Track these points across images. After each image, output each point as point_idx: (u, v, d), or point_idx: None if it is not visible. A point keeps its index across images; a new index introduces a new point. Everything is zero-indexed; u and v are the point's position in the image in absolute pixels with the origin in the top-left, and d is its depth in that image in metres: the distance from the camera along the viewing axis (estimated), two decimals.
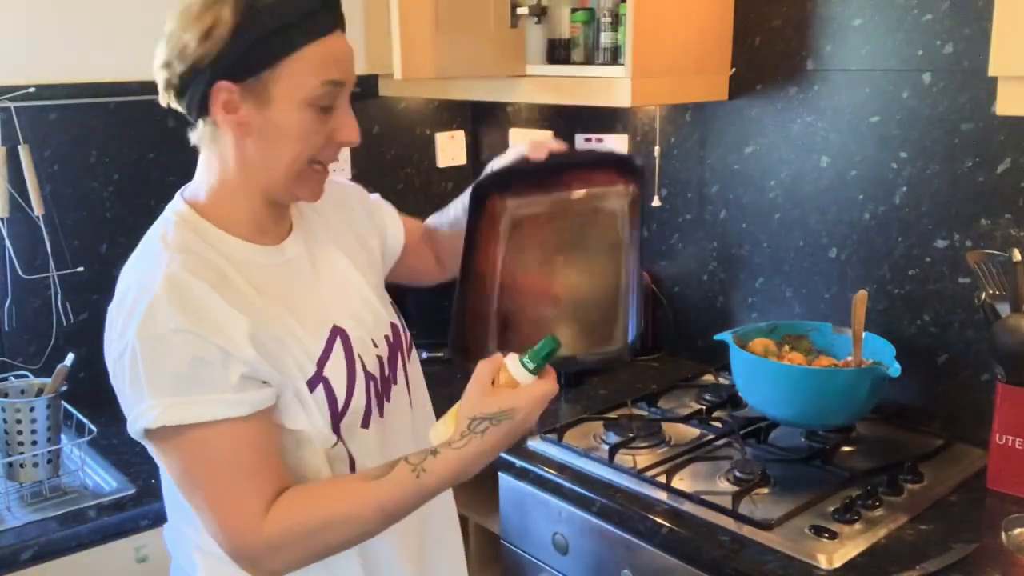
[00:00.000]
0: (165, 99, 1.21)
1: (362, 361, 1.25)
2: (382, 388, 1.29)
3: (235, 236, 1.21)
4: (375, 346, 1.29)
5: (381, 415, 1.28)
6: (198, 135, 1.22)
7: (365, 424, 1.25)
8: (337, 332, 1.24)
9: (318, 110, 1.16)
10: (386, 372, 1.30)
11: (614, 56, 2.05)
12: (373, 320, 1.31)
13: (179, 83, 1.16)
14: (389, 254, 1.49)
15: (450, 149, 2.77)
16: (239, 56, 1.12)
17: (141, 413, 1.10)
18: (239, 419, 1.11)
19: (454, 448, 1.12)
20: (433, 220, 1.54)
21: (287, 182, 1.19)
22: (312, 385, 1.18)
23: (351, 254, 1.35)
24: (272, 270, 1.23)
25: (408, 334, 1.39)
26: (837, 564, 1.41)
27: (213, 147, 1.21)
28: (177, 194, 1.27)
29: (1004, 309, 1.61)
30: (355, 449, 1.24)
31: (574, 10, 2.17)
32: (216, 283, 1.14)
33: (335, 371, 1.21)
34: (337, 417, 1.20)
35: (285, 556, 1.12)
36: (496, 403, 1.12)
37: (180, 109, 1.21)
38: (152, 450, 1.17)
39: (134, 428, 1.13)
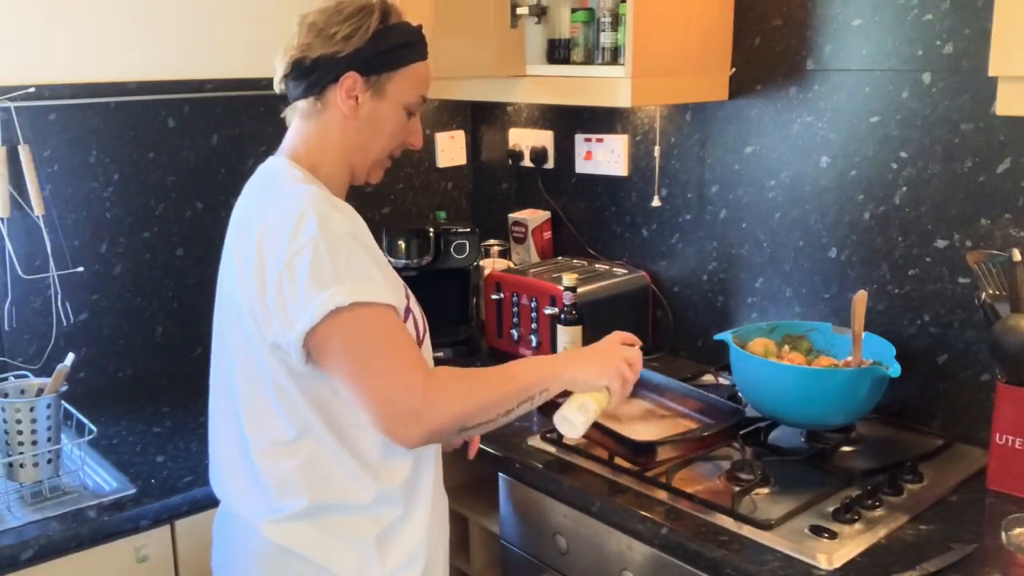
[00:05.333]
0: (282, 74, 1.45)
1: (413, 315, 1.45)
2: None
3: None
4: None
5: None
6: (301, 109, 1.45)
7: None
8: (403, 286, 1.45)
9: (407, 115, 1.48)
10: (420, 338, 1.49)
11: (614, 56, 2.05)
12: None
13: (311, 63, 1.41)
14: None
15: (450, 149, 2.77)
16: (372, 56, 1.41)
17: (330, 296, 1.25)
18: (396, 310, 1.32)
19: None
20: None
21: (370, 165, 1.49)
22: (405, 316, 1.39)
23: None
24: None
25: (426, 322, 1.53)
26: (837, 564, 1.41)
27: (315, 121, 1.44)
28: (275, 154, 1.47)
29: (1004, 309, 1.61)
30: None
31: (574, 10, 2.17)
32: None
33: (414, 311, 1.45)
34: (418, 347, 1.41)
35: (452, 399, 1.31)
36: None
37: (287, 88, 1.45)
38: (323, 342, 1.28)
39: (318, 313, 1.25)
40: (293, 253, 1.28)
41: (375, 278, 1.31)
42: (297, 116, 1.47)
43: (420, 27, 1.49)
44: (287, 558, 1.38)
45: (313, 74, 1.41)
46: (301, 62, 1.41)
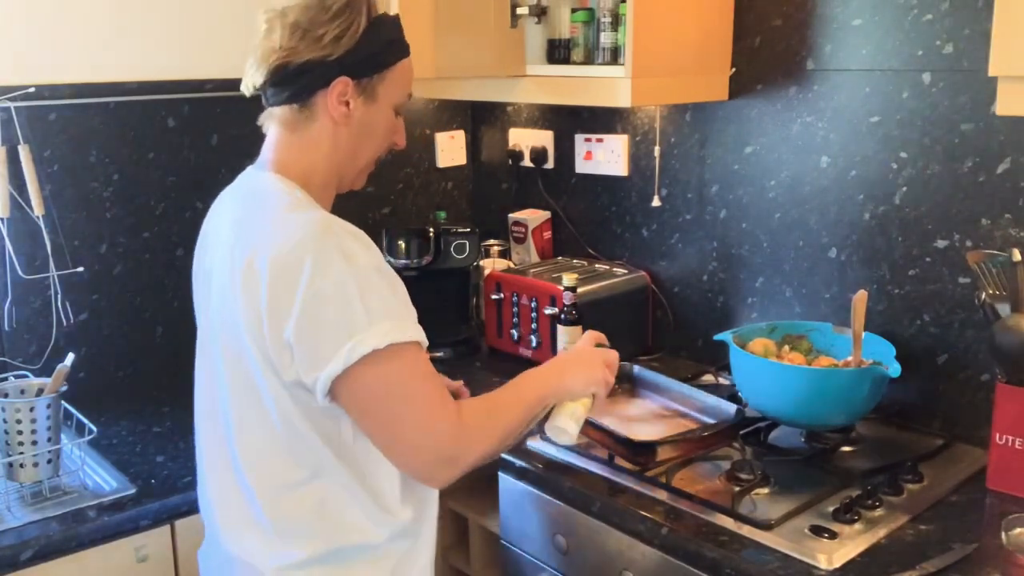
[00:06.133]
0: (256, 78, 1.33)
1: None
2: None
3: None
4: None
5: None
6: (282, 118, 1.35)
7: None
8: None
9: (395, 115, 1.40)
10: None
11: (614, 56, 2.05)
12: None
13: (296, 68, 1.30)
14: None
15: (450, 149, 2.77)
16: (362, 59, 1.32)
17: (363, 340, 1.20)
18: (422, 345, 1.28)
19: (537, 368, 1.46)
20: None
21: (360, 171, 1.43)
22: None
23: None
24: None
25: None
26: (837, 564, 1.41)
27: (302, 131, 1.35)
28: (258, 167, 1.39)
29: (1004, 309, 1.61)
30: None
31: (574, 10, 2.17)
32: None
33: None
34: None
35: (481, 438, 1.30)
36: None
37: (264, 94, 1.35)
38: (354, 384, 1.23)
39: (353, 356, 1.20)
40: (317, 291, 1.21)
41: (403, 315, 1.26)
42: (277, 125, 1.37)
43: (398, 16, 1.40)
44: None
45: (300, 80, 1.31)
46: (285, 67, 1.30)
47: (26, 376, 1.87)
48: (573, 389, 1.46)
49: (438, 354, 2.31)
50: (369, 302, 1.22)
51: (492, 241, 2.68)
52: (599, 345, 1.56)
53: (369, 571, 1.35)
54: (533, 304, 2.27)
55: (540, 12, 2.18)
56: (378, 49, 1.34)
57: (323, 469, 1.31)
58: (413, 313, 1.29)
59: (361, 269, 1.23)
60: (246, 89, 1.36)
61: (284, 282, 1.22)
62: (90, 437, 1.77)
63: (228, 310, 1.31)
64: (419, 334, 1.27)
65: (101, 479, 1.78)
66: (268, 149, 1.38)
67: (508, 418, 1.36)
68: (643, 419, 1.85)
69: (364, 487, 1.33)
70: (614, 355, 1.53)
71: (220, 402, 1.37)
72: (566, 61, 2.20)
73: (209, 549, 1.47)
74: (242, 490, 1.35)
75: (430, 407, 1.26)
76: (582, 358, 1.50)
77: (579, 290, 2.19)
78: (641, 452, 1.66)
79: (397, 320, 1.24)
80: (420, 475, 1.31)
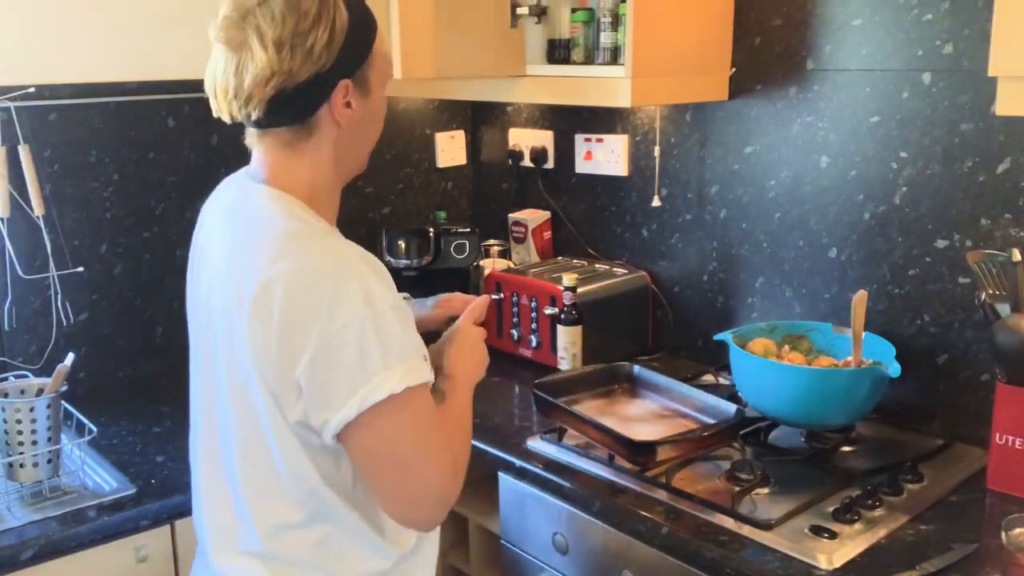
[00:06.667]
0: (249, 112, 1.20)
1: None
2: None
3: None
4: None
5: None
6: (282, 139, 1.24)
7: None
8: None
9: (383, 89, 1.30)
10: None
11: (614, 56, 2.05)
12: None
13: (294, 89, 1.18)
14: None
15: (450, 149, 2.77)
16: (352, 55, 1.21)
17: (380, 383, 1.15)
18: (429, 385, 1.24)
19: (446, 375, 1.37)
20: None
21: (363, 160, 1.35)
22: None
23: None
24: None
25: None
26: (837, 564, 1.41)
27: (302, 146, 1.25)
28: (251, 178, 1.29)
29: (1004, 309, 1.61)
30: None
31: (574, 10, 2.17)
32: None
33: None
34: None
35: (463, 470, 1.28)
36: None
37: (258, 122, 1.22)
38: (364, 427, 1.18)
39: (369, 400, 1.15)
40: (335, 331, 1.14)
41: (416, 353, 1.20)
42: (272, 144, 1.25)
43: None
44: None
45: (301, 101, 1.20)
46: (283, 92, 1.18)
47: (26, 376, 1.87)
48: (478, 379, 1.44)
49: None
50: (386, 344, 1.16)
51: (492, 241, 2.68)
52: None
53: None
54: (533, 304, 2.27)
55: (540, 12, 2.18)
56: (359, 36, 1.22)
57: (323, 509, 1.26)
58: (422, 347, 1.24)
59: (379, 310, 1.16)
60: (228, 118, 1.24)
61: (300, 319, 1.15)
62: (90, 437, 1.77)
63: (235, 345, 1.22)
64: (430, 373, 1.24)
65: (101, 479, 1.78)
66: (262, 166, 1.27)
67: (468, 435, 1.35)
68: (643, 419, 1.85)
69: (369, 521, 1.29)
70: (481, 331, 1.48)
71: (221, 430, 1.30)
72: (566, 61, 2.20)
73: (200, 568, 1.41)
74: (240, 520, 1.30)
75: (437, 458, 1.23)
76: (471, 345, 1.44)
77: (579, 290, 2.19)
78: (641, 452, 1.66)
79: (411, 361, 1.19)
80: (420, 522, 1.28)
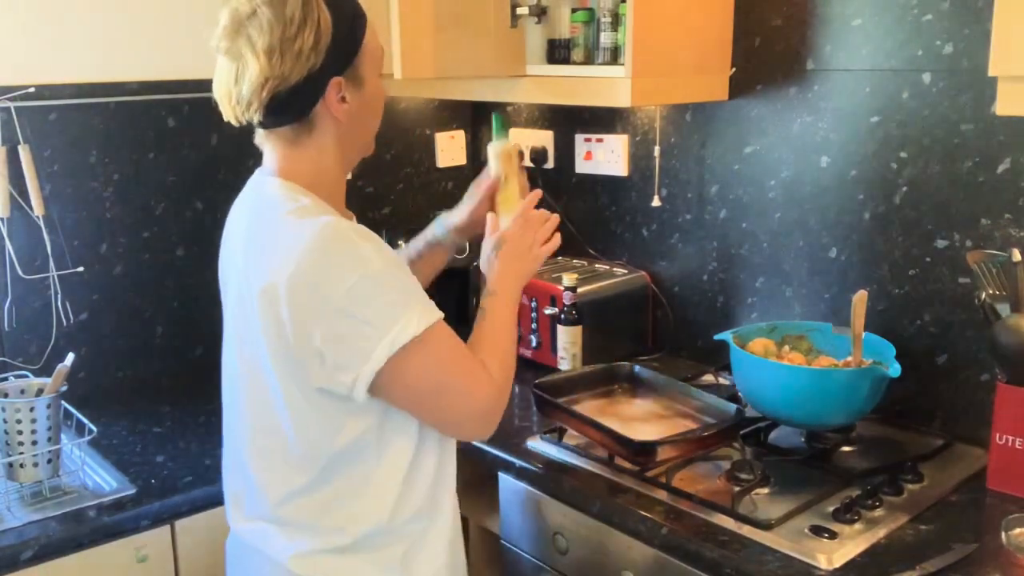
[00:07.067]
0: (251, 115, 1.29)
1: None
2: None
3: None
4: None
5: None
6: (285, 136, 1.33)
7: None
8: None
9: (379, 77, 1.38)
10: None
11: (614, 56, 2.05)
12: None
13: (288, 91, 1.26)
14: None
15: (450, 149, 2.77)
16: (342, 51, 1.28)
17: (402, 331, 1.24)
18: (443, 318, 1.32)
19: (489, 291, 1.47)
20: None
21: (366, 146, 1.43)
22: None
23: None
24: None
25: None
26: (837, 564, 1.41)
27: (305, 140, 1.34)
28: (264, 173, 1.38)
29: (1004, 309, 1.61)
30: None
31: (574, 10, 2.17)
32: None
33: None
34: None
35: (508, 379, 1.41)
36: (489, 242, 1.54)
37: (260, 122, 1.31)
38: (395, 373, 1.26)
39: (394, 347, 1.24)
40: (344, 294, 1.22)
41: (422, 296, 1.30)
42: (278, 141, 1.35)
43: None
44: None
45: (296, 101, 1.29)
46: (278, 95, 1.26)
47: (26, 376, 1.87)
48: (529, 277, 1.53)
49: None
50: (393, 296, 1.26)
51: None
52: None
53: (380, 554, 1.38)
54: (533, 304, 2.27)
55: (540, 12, 2.18)
56: (348, 32, 1.29)
57: (329, 473, 1.34)
58: (421, 290, 1.33)
59: (378, 268, 1.25)
60: (235, 122, 1.32)
61: (307, 291, 1.23)
62: (90, 437, 1.77)
63: (245, 322, 1.35)
64: (438, 310, 1.31)
65: (101, 479, 1.78)
66: (271, 161, 1.37)
67: (513, 345, 1.44)
68: (643, 419, 1.85)
69: (370, 484, 1.35)
70: (550, 221, 1.57)
71: (236, 403, 1.43)
72: (566, 61, 2.20)
73: (232, 538, 1.51)
74: (251, 488, 1.41)
75: (472, 376, 1.34)
76: (520, 254, 1.52)
77: (579, 290, 2.19)
78: (641, 452, 1.66)
79: (421, 304, 1.28)
80: (473, 436, 1.48)
